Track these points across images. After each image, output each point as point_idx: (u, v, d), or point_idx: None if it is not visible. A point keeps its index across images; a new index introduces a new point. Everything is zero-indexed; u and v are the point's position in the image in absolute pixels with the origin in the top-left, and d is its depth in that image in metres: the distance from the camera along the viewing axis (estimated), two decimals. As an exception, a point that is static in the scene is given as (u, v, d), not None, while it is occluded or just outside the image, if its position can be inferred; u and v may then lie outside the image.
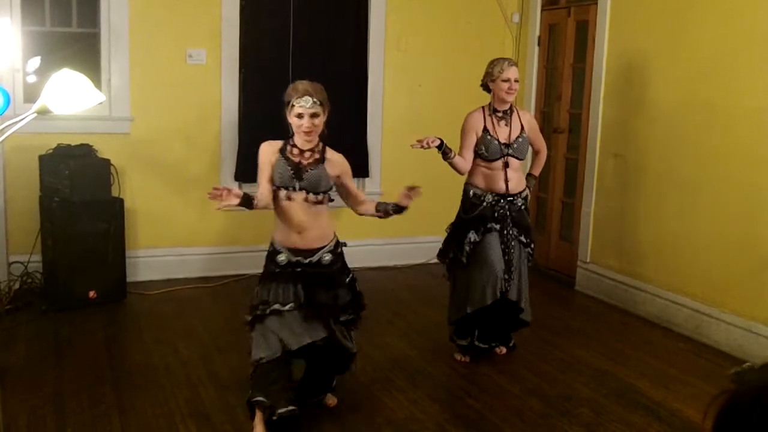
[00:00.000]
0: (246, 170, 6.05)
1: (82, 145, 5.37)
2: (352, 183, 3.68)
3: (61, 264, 5.12)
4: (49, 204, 5.18)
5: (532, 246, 4.48)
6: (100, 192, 5.28)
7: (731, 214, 4.72)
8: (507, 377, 4.29)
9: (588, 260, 5.94)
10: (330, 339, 3.49)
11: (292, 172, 3.45)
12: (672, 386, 4.19)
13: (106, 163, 5.37)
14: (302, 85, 3.45)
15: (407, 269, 6.42)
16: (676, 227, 5.12)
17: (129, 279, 5.48)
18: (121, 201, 5.41)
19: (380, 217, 3.68)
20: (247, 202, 3.39)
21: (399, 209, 3.61)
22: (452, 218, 4.53)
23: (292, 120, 3.44)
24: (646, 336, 5.04)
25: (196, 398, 3.88)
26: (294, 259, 3.48)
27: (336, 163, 3.56)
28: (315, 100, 3.41)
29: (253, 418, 3.49)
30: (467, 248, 4.33)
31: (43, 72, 5.62)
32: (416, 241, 6.51)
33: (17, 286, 5.33)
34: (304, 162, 3.48)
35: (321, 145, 3.54)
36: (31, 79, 5.61)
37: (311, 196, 3.47)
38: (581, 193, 6.03)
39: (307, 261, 3.49)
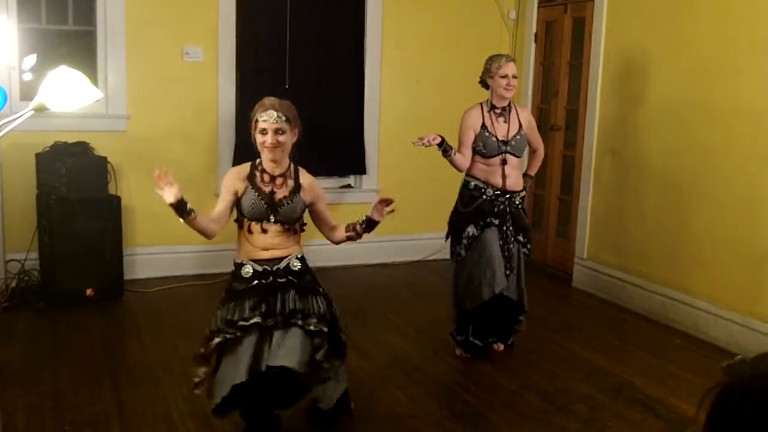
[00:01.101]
0: (243, 167, 6.06)
1: (78, 142, 5.36)
2: (325, 209, 3.42)
3: (59, 262, 5.12)
4: (46, 202, 5.18)
5: (529, 246, 4.48)
6: (97, 190, 5.28)
7: (729, 211, 4.73)
8: (505, 373, 4.29)
9: (585, 257, 5.95)
10: (302, 375, 3.16)
11: (265, 205, 3.22)
12: (669, 382, 4.20)
13: (103, 160, 5.37)
14: (269, 100, 3.22)
15: (405, 266, 6.43)
16: (673, 224, 5.13)
17: (126, 277, 5.48)
18: (118, 199, 5.40)
19: (352, 238, 3.37)
20: (181, 209, 3.08)
21: (370, 224, 3.29)
22: (448, 215, 4.53)
23: (257, 137, 3.21)
24: (643, 332, 5.05)
25: (195, 396, 3.85)
26: (260, 268, 3.24)
27: (310, 189, 3.33)
28: (280, 114, 3.17)
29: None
30: (465, 242, 4.32)
31: (39, 70, 5.61)
32: (414, 238, 6.51)
33: (14, 284, 5.32)
34: (278, 192, 3.25)
35: (292, 168, 3.31)
36: (27, 76, 5.60)
37: (286, 226, 3.27)
38: (578, 190, 6.04)
39: (274, 269, 3.24)
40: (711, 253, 4.85)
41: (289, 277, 3.26)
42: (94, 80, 5.38)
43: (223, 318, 3.20)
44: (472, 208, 4.34)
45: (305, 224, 3.40)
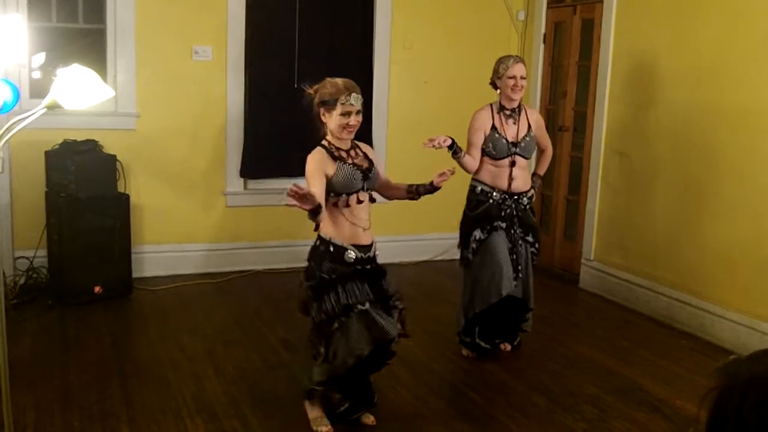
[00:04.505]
0: (251, 166, 6.08)
1: (88, 140, 5.38)
2: (383, 169, 3.68)
3: (67, 259, 5.14)
4: (55, 199, 5.20)
5: (537, 246, 4.48)
6: (105, 187, 5.30)
7: (736, 213, 4.72)
8: (512, 374, 4.30)
9: (592, 258, 5.95)
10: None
11: (360, 174, 3.41)
12: (675, 384, 4.20)
13: (112, 158, 5.39)
14: (343, 82, 3.38)
15: (412, 266, 6.43)
16: (680, 225, 5.13)
17: (134, 274, 5.50)
18: (127, 197, 5.42)
19: (412, 198, 3.69)
20: (315, 212, 3.16)
21: (432, 189, 3.61)
22: (457, 216, 4.54)
23: (335, 119, 3.36)
24: (650, 334, 5.05)
25: (203, 393, 3.90)
26: (360, 255, 3.42)
27: (375, 156, 3.59)
28: (360, 97, 3.40)
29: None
30: (473, 246, 4.33)
31: (48, 68, 5.64)
32: (421, 238, 6.52)
33: (23, 281, 5.35)
34: (363, 163, 3.47)
35: (352, 140, 3.52)
36: (36, 74, 5.62)
37: (370, 194, 3.50)
38: (586, 191, 6.04)
39: (367, 256, 3.46)
40: (718, 254, 4.85)
41: (373, 264, 3.49)
42: (104, 79, 5.37)
43: (337, 302, 3.36)
44: (479, 212, 4.34)
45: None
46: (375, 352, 3.49)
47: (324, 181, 3.33)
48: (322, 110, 3.40)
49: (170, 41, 5.74)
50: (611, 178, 5.77)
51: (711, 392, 1.01)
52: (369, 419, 3.65)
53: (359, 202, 3.42)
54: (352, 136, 3.45)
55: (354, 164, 3.43)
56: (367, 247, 3.46)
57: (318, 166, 3.35)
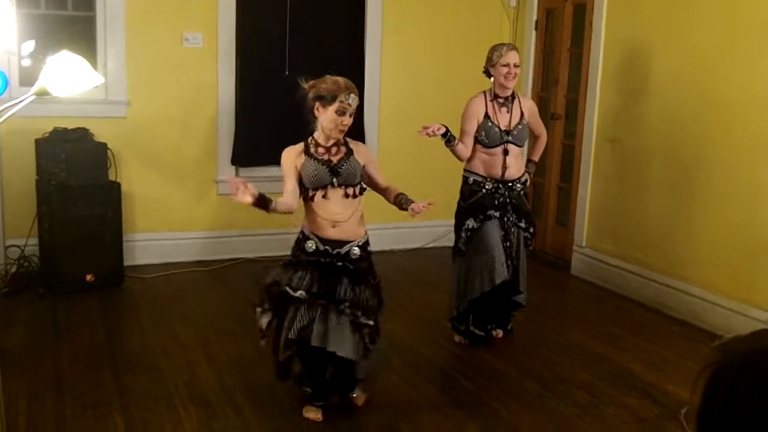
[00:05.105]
0: (242, 154, 6.06)
1: (78, 128, 5.35)
2: (377, 172, 3.62)
3: (58, 248, 5.13)
4: (46, 188, 5.18)
5: (531, 230, 4.49)
6: (96, 176, 5.28)
7: (727, 200, 4.74)
8: (503, 360, 4.32)
9: (584, 245, 5.96)
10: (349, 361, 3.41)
11: (327, 169, 3.41)
12: (667, 369, 4.22)
13: (103, 146, 5.37)
14: (343, 81, 3.41)
15: (404, 253, 6.44)
16: (671, 212, 5.14)
17: (126, 263, 5.48)
18: (118, 185, 5.40)
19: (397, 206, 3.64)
20: (263, 203, 3.25)
21: (406, 209, 3.55)
22: (449, 204, 4.54)
23: (329, 115, 3.37)
24: (641, 320, 5.07)
25: (195, 381, 3.90)
26: (323, 247, 3.41)
27: (361, 152, 3.54)
28: (357, 98, 3.41)
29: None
30: (464, 235, 4.33)
31: (37, 55, 5.60)
32: (413, 226, 6.51)
33: (14, 269, 5.34)
34: (334, 158, 3.44)
35: (342, 137, 3.49)
36: (26, 62, 5.58)
37: (349, 190, 3.45)
38: (578, 178, 6.05)
39: (335, 252, 3.41)
40: (709, 241, 4.87)
41: (346, 263, 3.42)
42: (94, 66, 5.34)
43: (285, 276, 3.40)
44: (472, 201, 4.35)
45: (364, 189, 3.56)
46: (336, 368, 3.46)
47: (294, 173, 3.42)
48: (317, 104, 3.40)
49: (160, 28, 5.71)
50: (603, 165, 5.78)
51: (707, 368, 1.01)
52: (359, 400, 3.66)
53: (324, 197, 3.42)
54: (342, 135, 3.45)
55: (322, 160, 3.42)
56: (336, 243, 3.42)
57: (288, 161, 3.45)
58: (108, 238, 5.27)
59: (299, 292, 3.34)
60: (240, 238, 6.08)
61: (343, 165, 3.44)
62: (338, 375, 3.53)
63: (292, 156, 3.46)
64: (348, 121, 3.40)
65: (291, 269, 3.43)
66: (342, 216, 3.43)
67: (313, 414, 3.53)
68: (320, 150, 3.45)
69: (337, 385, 3.57)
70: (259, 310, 3.46)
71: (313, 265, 3.40)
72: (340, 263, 3.41)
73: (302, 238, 3.48)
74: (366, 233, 3.54)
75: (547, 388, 3.95)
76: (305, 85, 3.44)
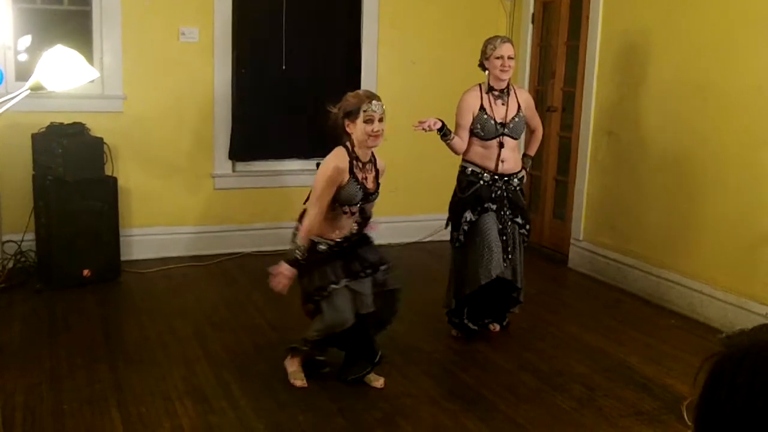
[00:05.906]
0: (239, 149, 6.05)
1: (74, 123, 5.34)
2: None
3: (55, 243, 5.12)
4: (43, 183, 5.17)
5: (527, 227, 4.49)
6: (93, 170, 5.27)
7: (725, 193, 4.74)
8: (501, 353, 4.32)
9: (581, 238, 5.96)
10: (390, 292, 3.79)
11: (362, 194, 3.62)
12: (664, 362, 4.22)
13: (99, 141, 5.36)
14: (363, 91, 3.62)
15: (401, 247, 6.43)
16: (669, 205, 5.14)
17: (123, 257, 5.48)
18: (115, 180, 5.39)
19: None
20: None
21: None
22: (444, 197, 4.53)
23: (359, 127, 3.53)
24: (639, 313, 5.07)
25: (192, 375, 3.90)
26: (333, 243, 3.66)
27: (383, 172, 3.78)
28: (382, 104, 3.55)
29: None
30: (464, 227, 4.32)
31: (34, 50, 5.58)
32: (410, 220, 6.52)
33: (11, 264, 5.33)
34: (369, 182, 3.66)
35: (372, 153, 3.69)
36: (22, 57, 5.56)
37: (366, 207, 3.75)
38: (575, 171, 6.04)
39: (344, 244, 3.69)
40: (707, 234, 4.87)
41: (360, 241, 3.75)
42: (90, 61, 5.31)
43: (318, 283, 3.62)
44: (469, 193, 4.34)
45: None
46: (378, 310, 3.74)
47: (331, 196, 3.55)
48: (346, 122, 3.55)
49: (156, 23, 5.69)
50: (600, 158, 5.77)
51: (711, 358, 1.02)
52: (378, 382, 3.80)
53: (350, 213, 3.66)
54: (379, 142, 3.59)
55: (362, 185, 3.61)
56: (348, 236, 3.73)
57: (334, 176, 3.54)
58: (105, 233, 5.26)
59: (342, 282, 3.58)
60: (237, 232, 6.08)
61: (373, 195, 3.70)
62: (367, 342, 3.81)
63: (338, 169, 3.55)
64: (378, 126, 3.53)
65: (316, 271, 3.60)
66: (349, 229, 3.72)
67: (299, 382, 3.75)
68: (359, 165, 3.61)
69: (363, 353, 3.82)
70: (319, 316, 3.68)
71: (330, 257, 3.63)
72: (355, 240, 3.72)
73: (313, 244, 3.63)
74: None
75: (545, 382, 3.95)
76: (333, 109, 3.59)
